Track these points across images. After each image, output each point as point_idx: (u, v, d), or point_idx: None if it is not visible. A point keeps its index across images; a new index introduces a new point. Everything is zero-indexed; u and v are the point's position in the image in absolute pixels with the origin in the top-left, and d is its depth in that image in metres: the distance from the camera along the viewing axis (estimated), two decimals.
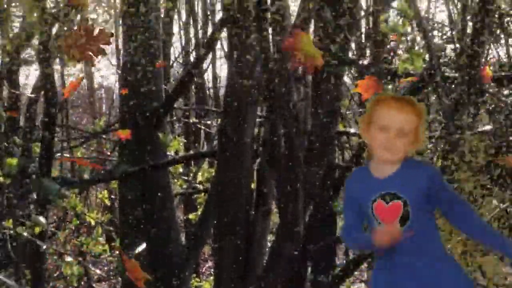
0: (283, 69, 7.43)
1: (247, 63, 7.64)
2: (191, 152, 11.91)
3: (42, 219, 7.26)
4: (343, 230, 3.26)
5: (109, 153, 13.20)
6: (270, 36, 7.80)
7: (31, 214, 8.13)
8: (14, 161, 7.00)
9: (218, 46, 14.42)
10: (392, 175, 3.09)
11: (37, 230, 8.03)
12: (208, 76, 15.25)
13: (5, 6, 10.23)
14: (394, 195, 3.07)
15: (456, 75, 6.65)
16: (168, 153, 9.18)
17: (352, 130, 8.90)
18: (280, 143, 7.58)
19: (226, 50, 11.76)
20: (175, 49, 16.53)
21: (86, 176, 7.82)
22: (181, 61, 15.56)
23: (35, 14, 6.17)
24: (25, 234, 7.84)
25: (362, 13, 10.74)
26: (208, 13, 14.62)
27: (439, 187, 3.11)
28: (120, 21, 12.21)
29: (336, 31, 7.45)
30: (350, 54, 9.88)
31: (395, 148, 3.06)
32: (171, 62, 15.30)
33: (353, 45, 11.35)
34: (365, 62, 9.27)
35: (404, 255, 3.08)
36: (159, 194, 8.69)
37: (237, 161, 7.80)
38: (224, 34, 9.87)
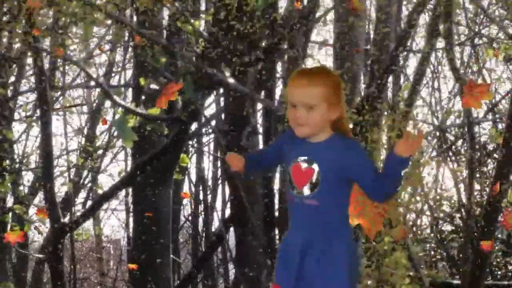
0: None
1: (253, 268, 7.64)
2: None
3: None
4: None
5: None
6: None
7: None
8: None
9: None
10: (319, 143, 3.16)
11: None
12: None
13: None
14: (311, 161, 3.13)
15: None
16: None
17: None
18: None
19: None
20: (185, 209, 16.61)
21: None
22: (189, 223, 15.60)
23: None
24: None
25: None
26: (219, 175, 14.78)
27: (358, 169, 3.13)
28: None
29: None
30: None
31: (307, 122, 3.10)
32: (180, 223, 15.37)
33: None
34: None
35: (306, 222, 3.16)
36: None
37: None
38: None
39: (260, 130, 8.29)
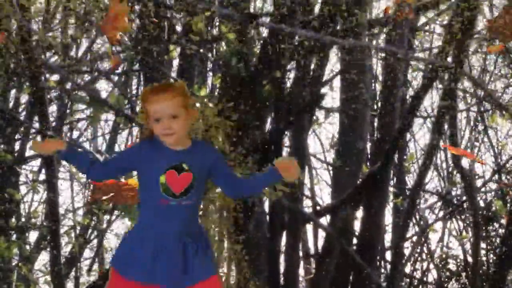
0: None
1: None
2: None
3: None
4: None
5: None
6: None
7: None
8: None
9: None
10: (185, 150, 3.51)
11: None
12: None
13: None
14: (185, 166, 3.47)
15: None
16: None
17: None
18: None
19: None
20: None
21: None
22: None
23: None
24: None
25: None
26: None
27: (220, 165, 3.58)
28: None
29: None
30: None
31: (174, 130, 3.44)
32: None
33: None
34: None
35: (181, 220, 3.47)
36: None
37: None
38: None
39: None
